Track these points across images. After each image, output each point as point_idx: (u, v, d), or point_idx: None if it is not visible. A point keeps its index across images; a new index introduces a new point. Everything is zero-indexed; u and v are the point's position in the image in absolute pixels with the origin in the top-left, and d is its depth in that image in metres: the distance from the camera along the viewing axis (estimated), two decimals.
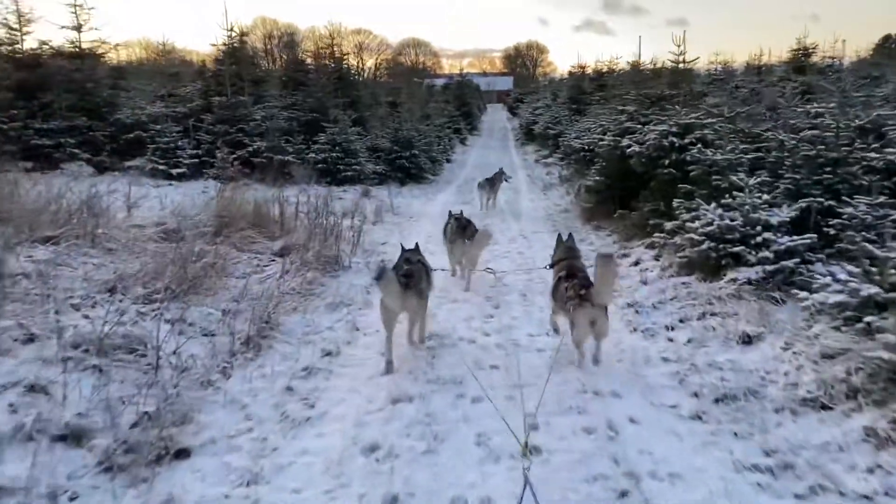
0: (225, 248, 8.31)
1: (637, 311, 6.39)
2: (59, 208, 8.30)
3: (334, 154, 16.71)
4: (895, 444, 3.53)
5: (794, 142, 8.04)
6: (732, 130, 8.87)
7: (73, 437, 3.83)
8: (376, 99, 27.39)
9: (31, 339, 4.84)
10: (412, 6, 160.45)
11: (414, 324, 5.64)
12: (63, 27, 17.52)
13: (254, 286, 7.11)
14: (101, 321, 5.37)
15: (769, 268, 6.37)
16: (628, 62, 32.59)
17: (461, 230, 7.98)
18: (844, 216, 6.85)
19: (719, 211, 6.99)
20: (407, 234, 10.83)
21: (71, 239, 7.53)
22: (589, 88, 30.64)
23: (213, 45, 19.78)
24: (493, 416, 3.97)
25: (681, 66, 11.48)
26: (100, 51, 18.54)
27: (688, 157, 8.49)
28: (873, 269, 4.55)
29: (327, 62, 23.42)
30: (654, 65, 11.30)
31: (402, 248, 6.37)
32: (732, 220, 6.73)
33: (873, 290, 4.33)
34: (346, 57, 24.35)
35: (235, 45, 20.09)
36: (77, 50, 17.86)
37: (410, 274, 5.54)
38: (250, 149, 16.60)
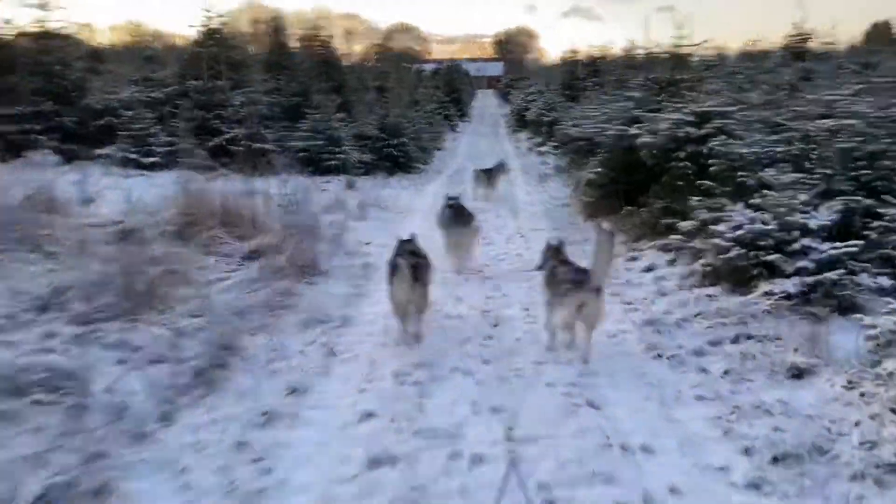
0: (188, 250, 7.40)
1: (658, 331, 5.52)
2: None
3: (317, 142, 15.73)
4: None
5: (824, 132, 7.18)
6: (758, 120, 7.98)
7: None
8: (364, 84, 26.34)
9: None
10: None
11: (420, 315, 5.51)
12: (27, 5, 16.38)
13: (217, 298, 6.23)
14: (22, 349, 4.50)
15: (808, 279, 5.53)
16: (622, 48, 32.11)
17: (456, 217, 7.85)
18: (886, 217, 6.04)
19: (748, 212, 6.13)
20: (394, 231, 9.88)
21: (8, 242, 6.60)
22: (582, 74, 29.78)
23: (191, 26, 18.57)
24: (498, 487, 3.10)
25: (683, 49, 10.62)
26: (67, 31, 17.38)
27: (705, 150, 7.62)
28: None
29: (310, 44, 22.34)
30: (659, 49, 10.35)
31: (399, 239, 6.15)
32: (765, 224, 5.87)
33: None
34: (330, 39, 23.20)
35: (214, 26, 19.04)
36: (43, 30, 16.71)
37: (418, 266, 5.53)
38: (227, 136, 15.59)
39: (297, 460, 3.57)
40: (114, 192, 10.59)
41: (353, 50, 63.75)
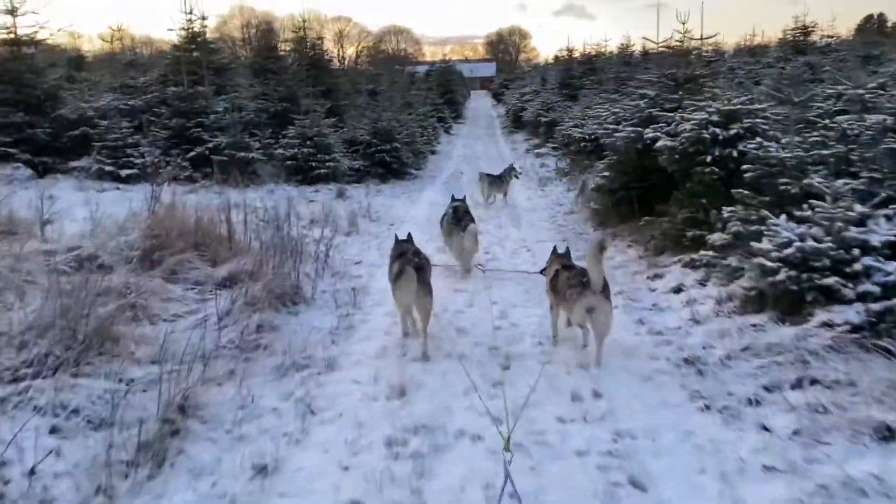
0: (152, 279, 6.52)
1: (700, 372, 4.65)
2: None
3: (305, 149, 14.86)
4: None
5: (869, 131, 6.34)
6: (790, 118, 7.12)
7: None
8: (355, 87, 25.49)
9: None
10: None
11: (426, 318, 5.35)
12: None
13: (181, 337, 5.35)
14: None
15: (875, 306, 4.67)
16: (619, 45, 31.36)
17: (457, 221, 7.85)
18: None
19: (795, 226, 5.27)
20: (386, 248, 9.04)
21: None
22: (578, 72, 29.00)
23: (171, 29, 17.68)
24: None
25: (693, 44, 9.79)
26: (39, 36, 16.43)
27: (735, 153, 6.77)
28: None
29: (298, 48, 21.48)
30: (672, 44, 9.48)
31: (396, 238, 6.46)
32: (818, 241, 5.01)
33: None
34: (319, 41, 22.33)
35: (196, 29, 18.16)
36: (13, 37, 15.79)
37: (421, 267, 5.51)
38: (209, 145, 14.70)
39: None
40: (83, 209, 9.66)
41: (344, 53, 63.16)
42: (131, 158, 14.40)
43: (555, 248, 6.03)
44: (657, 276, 6.95)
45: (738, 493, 3.25)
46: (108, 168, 14.02)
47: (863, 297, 4.75)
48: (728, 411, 4.06)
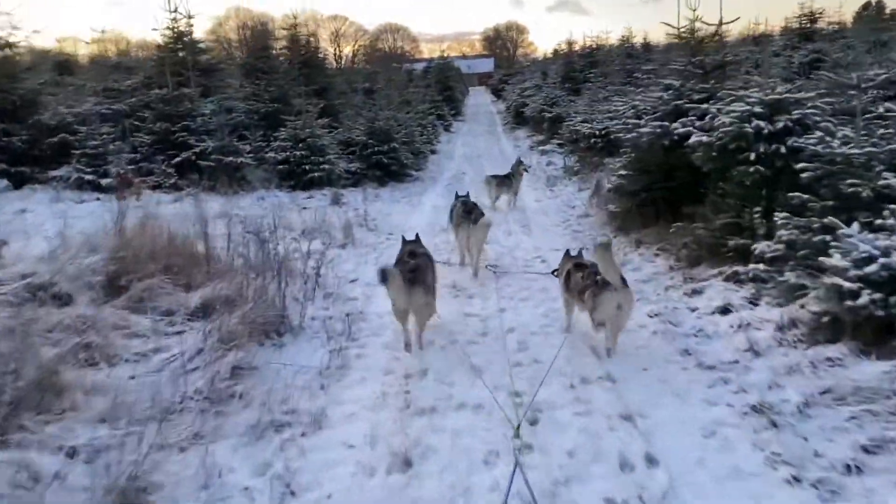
0: (115, 310, 5.65)
1: (775, 424, 3.75)
2: None
3: (297, 152, 13.94)
4: None
5: None
6: (842, 110, 6.22)
7: None
8: (352, 86, 24.57)
9: None
10: None
11: (423, 320, 5.30)
12: None
13: (141, 385, 4.51)
14: None
15: None
16: (620, 37, 30.43)
17: (467, 213, 7.70)
18: None
19: (874, 238, 4.38)
20: (385, 262, 8.14)
21: None
22: (580, 66, 28.13)
23: (155, 29, 16.76)
24: None
25: (709, 30, 8.87)
26: (14, 40, 15.52)
27: (783, 150, 5.87)
28: None
29: (291, 45, 20.55)
30: (691, 28, 8.55)
31: (403, 239, 6.40)
32: None
33: None
34: (312, 37, 21.40)
35: (182, 28, 17.25)
36: None
37: (416, 268, 5.41)
38: (196, 150, 13.80)
39: None
40: (57, 224, 8.77)
41: (341, 52, 62.38)
42: (111, 167, 13.52)
43: (567, 252, 6.01)
44: (695, 293, 6.05)
45: None
46: (88, 177, 13.13)
47: None
48: (825, 485, 3.17)
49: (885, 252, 4.19)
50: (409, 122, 19.12)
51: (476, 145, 24.73)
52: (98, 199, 12.45)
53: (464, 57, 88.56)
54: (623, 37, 31.13)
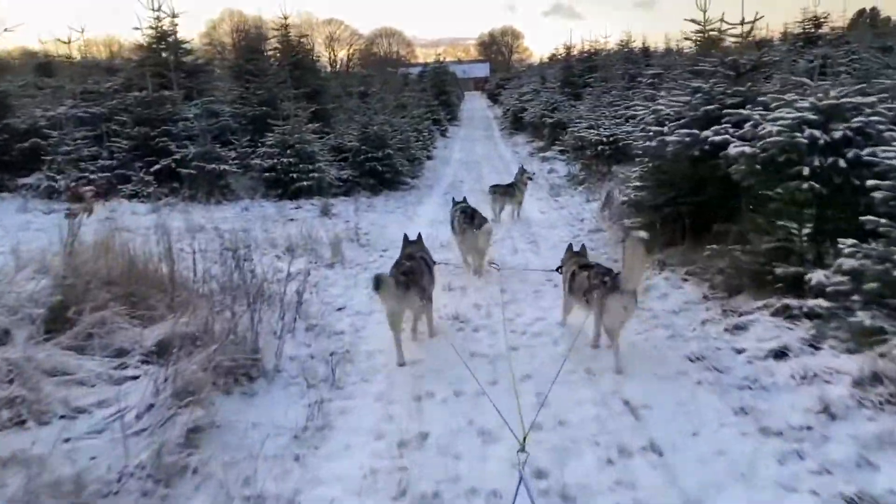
0: (54, 351, 4.75)
1: None
2: None
3: (285, 159, 13.05)
4: None
5: None
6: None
7: None
8: (346, 90, 23.67)
9: None
10: None
11: (418, 320, 5.47)
12: None
13: (75, 452, 3.63)
14: None
15: None
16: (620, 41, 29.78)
17: (469, 219, 7.64)
18: None
19: None
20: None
21: None
22: (579, 70, 27.36)
23: (137, 28, 15.86)
24: None
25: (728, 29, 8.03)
26: None
27: (843, 163, 5.02)
28: None
29: (281, 47, 19.65)
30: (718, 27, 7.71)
31: (405, 237, 6.42)
32: None
33: None
34: (304, 38, 20.53)
35: (166, 28, 16.35)
36: None
37: (410, 271, 5.34)
38: (176, 156, 12.90)
39: None
40: (14, 239, 7.86)
41: (336, 56, 61.66)
42: (87, 174, 12.62)
43: (570, 246, 6.09)
44: (738, 329, 5.18)
45: None
46: (59, 185, 12.25)
47: None
48: None
49: None
50: (405, 127, 18.26)
51: (473, 151, 23.91)
52: (69, 208, 11.56)
53: (459, 62, 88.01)
54: (622, 41, 30.43)
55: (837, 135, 5.10)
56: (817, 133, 5.11)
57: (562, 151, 18.26)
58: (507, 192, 10.88)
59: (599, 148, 13.49)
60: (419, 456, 3.64)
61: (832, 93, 5.41)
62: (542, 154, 20.22)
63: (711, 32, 7.69)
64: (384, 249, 8.71)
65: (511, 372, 4.44)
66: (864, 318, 4.18)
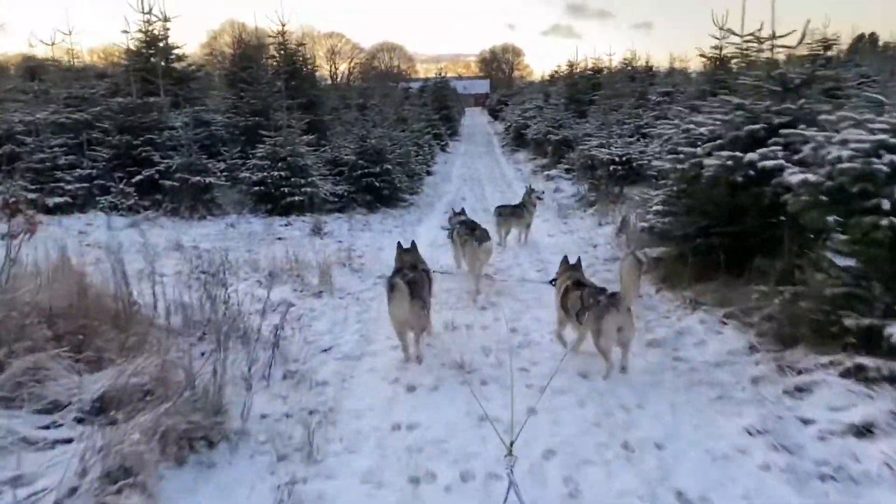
0: None
1: None
2: None
3: (276, 172, 12.19)
4: None
5: None
6: None
7: None
8: (345, 102, 22.89)
9: None
10: (383, 10, 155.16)
11: (420, 332, 5.38)
12: None
13: None
14: None
15: None
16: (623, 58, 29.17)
17: (471, 232, 7.61)
18: None
19: None
20: (371, 320, 6.37)
21: None
22: (583, 88, 26.69)
23: (125, 31, 15.04)
24: None
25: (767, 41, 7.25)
26: None
27: None
28: None
29: (277, 55, 18.87)
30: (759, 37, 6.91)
31: (399, 245, 6.25)
32: None
33: None
34: (301, 47, 19.75)
35: (157, 32, 15.56)
36: None
37: (415, 282, 5.33)
38: (160, 167, 12.05)
39: None
40: None
41: (337, 69, 61.20)
42: (61, 184, 11.77)
43: (565, 258, 5.99)
44: (800, 391, 4.31)
45: None
46: (30, 196, 11.36)
47: None
48: None
49: None
50: (405, 141, 17.44)
51: (475, 167, 23.12)
52: (40, 222, 10.67)
53: (459, 77, 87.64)
54: (625, 59, 29.76)
55: None
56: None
57: (567, 170, 17.48)
58: (515, 214, 10.02)
59: (612, 168, 12.67)
60: None
61: None
62: (546, 172, 19.39)
63: (749, 44, 6.84)
64: (379, 276, 7.80)
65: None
66: None
